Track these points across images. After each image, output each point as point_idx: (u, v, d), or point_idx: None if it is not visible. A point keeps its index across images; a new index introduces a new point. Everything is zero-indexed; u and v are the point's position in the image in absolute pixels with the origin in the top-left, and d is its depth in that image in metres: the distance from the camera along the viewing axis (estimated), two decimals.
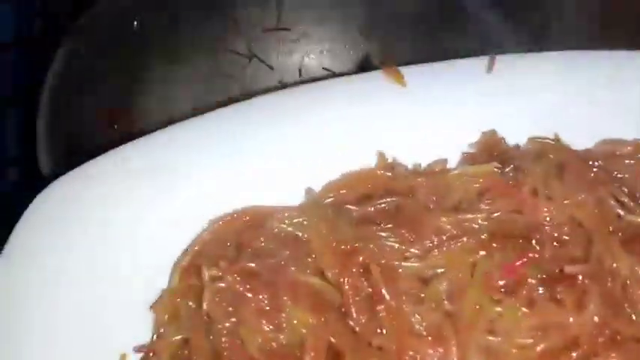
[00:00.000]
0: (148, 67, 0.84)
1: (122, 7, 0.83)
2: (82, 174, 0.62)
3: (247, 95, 0.68)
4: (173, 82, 0.86)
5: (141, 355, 0.57)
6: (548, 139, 0.61)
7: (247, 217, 0.60)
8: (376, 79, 0.66)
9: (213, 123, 0.65)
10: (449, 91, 0.65)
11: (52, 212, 0.60)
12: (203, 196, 0.62)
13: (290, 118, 0.65)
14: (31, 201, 0.61)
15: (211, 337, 0.55)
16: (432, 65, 0.67)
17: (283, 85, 0.73)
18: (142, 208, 0.62)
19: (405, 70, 0.66)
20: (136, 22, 0.82)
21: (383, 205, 0.59)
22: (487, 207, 0.57)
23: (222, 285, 0.56)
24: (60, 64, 0.81)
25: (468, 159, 0.62)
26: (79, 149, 0.78)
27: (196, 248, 0.59)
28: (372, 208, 0.59)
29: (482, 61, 0.66)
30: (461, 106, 0.65)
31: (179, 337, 0.56)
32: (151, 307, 0.59)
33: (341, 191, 0.61)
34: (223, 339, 0.55)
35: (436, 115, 0.65)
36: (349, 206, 0.60)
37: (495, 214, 0.56)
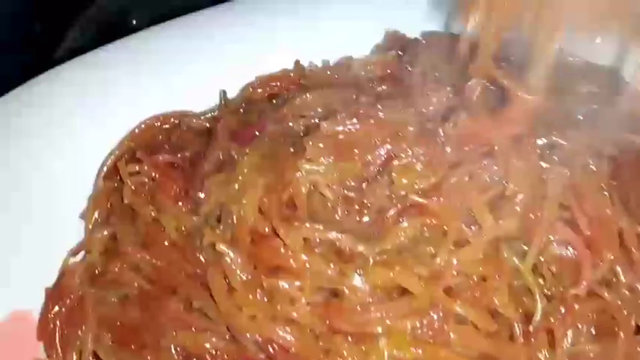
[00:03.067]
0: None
1: (119, 6, 0.87)
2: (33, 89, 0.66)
3: None
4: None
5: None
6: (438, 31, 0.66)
7: (165, 122, 0.65)
8: None
9: (143, 40, 0.70)
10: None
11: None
12: (129, 107, 0.66)
13: (209, 34, 0.69)
14: None
15: (136, 228, 0.59)
16: None
17: None
18: (73, 123, 0.65)
19: None
20: (134, 21, 0.86)
21: (290, 97, 0.62)
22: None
23: (142, 178, 0.60)
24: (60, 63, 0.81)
25: (375, 52, 0.67)
26: None
27: (117, 153, 0.63)
28: (281, 101, 0.63)
29: None
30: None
31: (105, 233, 0.59)
32: (80, 215, 0.62)
33: (256, 91, 0.66)
34: (147, 228, 0.58)
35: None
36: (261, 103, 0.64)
37: None
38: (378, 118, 0.55)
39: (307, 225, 0.50)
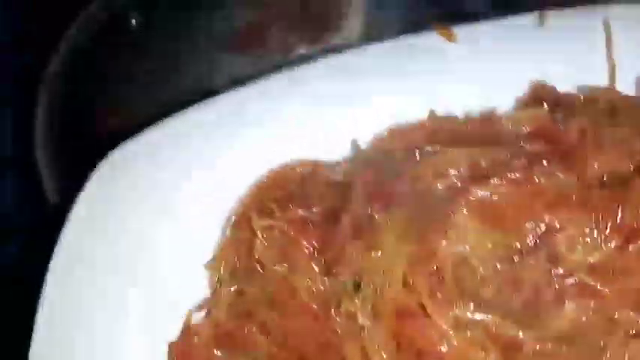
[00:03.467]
0: (147, 65, 0.84)
1: (120, 6, 0.84)
2: (135, 146, 0.64)
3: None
4: (173, 81, 0.86)
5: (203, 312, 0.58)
6: (598, 86, 0.60)
7: (297, 169, 0.62)
8: (430, 38, 0.67)
9: (257, 93, 0.66)
10: (497, 46, 0.65)
11: (110, 183, 0.62)
12: (256, 153, 0.63)
13: (341, 80, 0.66)
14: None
15: (264, 286, 0.56)
16: (483, 24, 0.67)
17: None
18: (197, 172, 0.63)
19: (457, 29, 0.67)
20: (134, 21, 0.84)
21: (429, 151, 0.58)
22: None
23: (273, 232, 0.57)
24: (59, 63, 0.82)
25: (520, 106, 0.62)
26: (77, 148, 0.78)
27: (245, 201, 0.61)
28: (419, 155, 0.59)
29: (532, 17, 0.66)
30: (511, 60, 0.65)
31: (233, 288, 0.57)
32: (205, 265, 0.60)
33: (390, 141, 0.62)
34: (276, 286, 0.56)
35: (485, 68, 0.65)
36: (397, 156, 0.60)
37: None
38: (535, 184, 0.50)
39: (461, 304, 0.46)
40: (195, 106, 0.66)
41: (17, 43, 0.86)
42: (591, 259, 0.48)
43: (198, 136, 0.64)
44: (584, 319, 0.46)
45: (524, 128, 0.58)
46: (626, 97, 0.59)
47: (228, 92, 0.68)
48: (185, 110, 0.66)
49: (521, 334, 0.45)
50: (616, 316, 0.46)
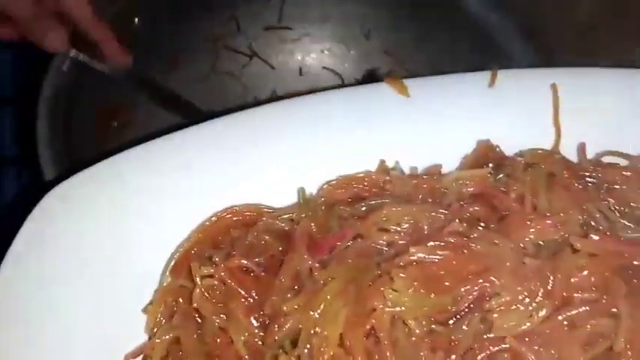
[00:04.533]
0: (148, 65, 0.87)
1: (121, 6, 0.86)
2: (79, 180, 0.63)
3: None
4: (173, 81, 0.89)
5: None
6: (541, 149, 0.62)
7: (239, 216, 0.62)
8: (380, 90, 0.69)
9: (214, 129, 0.67)
10: (448, 104, 0.67)
11: (54, 214, 0.61)
12: (196, 197, 0.63)
13: (292, 127, 0.67)
14: (31, 201, 0.62)
15: (202, 335, 0.56)
16: (435, 78, 0.69)
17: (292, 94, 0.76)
18: (136, 212, 0.63)
19: (408, 82, 0.68)
20: (136, 20, 0.86)
21: (374, 204, 0.60)
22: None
23: (213, 282, 0.57)
24: (59, 63, 0.82)
25: (465, 165, 0.64)
26: (79, 149, 0.80)
27: (186, 246, 0.61)
28: (364, 208, 0.60)
29: (484, 75, 0.68)
30: (460, 117, 0.67)
31: (169, 336, 0.57)
32: (143, 309, 0.59)
33: (336, 191, 0.63)
34: (213, 336, 0.56)
35: (435, 125, 0.66)
36: (342, 207, 0.61)
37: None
38: (471, 249, 0.52)
39: None
40: (136, 147, 0.66)
41: (17, 42, 0.86)
42: (522, 327, 0.50)
43: (142, 176, 0.64)
44: None
45: (466, 189, 0.60)
46: (567, 162, 0.61)
47: (180, 131, 0.68)
48: (130, 149, 0.66)
49: None
50: None
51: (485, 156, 0.63)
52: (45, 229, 0.61)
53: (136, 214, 0.63)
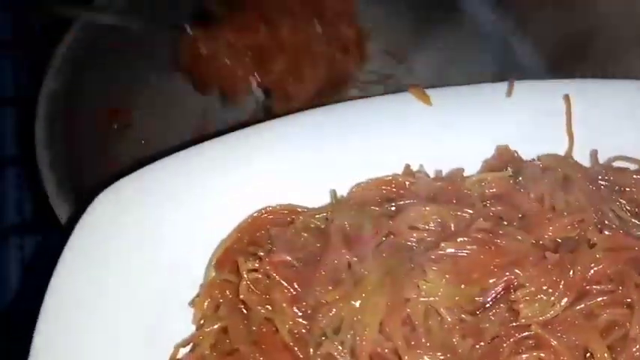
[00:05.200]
0: (147, 66, 0.89)
1: (120, 7, 0.87)
2: (123, 185, 0.68)
3: None
4: (173, 81, 0.91)
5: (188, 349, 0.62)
6: (556, 154, 0.67)
7: (275, 215, 0.67)
8: (404, 99, 0.74)
9: (251, 136, 0.72)
10: (469, 112, 0.72)
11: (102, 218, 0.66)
12: (237, 198, 0.68)
13: (328, 135, 0.72)
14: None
15: (248, 325, 0.61)
16: (455, 88, 0.75)
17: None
18: (181, 213, 0.67)
19: (430, 92, 0.74)
20: (134, 24, 0.85)
21: (402, 205, 0.65)
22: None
23: (257, 275, 0.62)
24: (59, 63, 0.84)
25: (486, 168, 0.69)
26: (78, 149, 0.82)
27: (227, 243, 0.66)
28: (393, 208, 0.65)
29: (502, 85, 0.73)
30: (479, 125, 0.72)
31: (217, 326, 0.61)
32: (189, 302, 0.64)
33: (365, 192, 0.68)
34: (259, 326, 0.60)
35: (456, 132, 0.72)
36: (372, 207, 0.66)
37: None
38: (497, 245, 0.57)
39: (430, 352, 0.52)
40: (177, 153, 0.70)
41: (18, 41, 0.89)
42: (545, 315, 0.55)
43: (181, 182, 0.68)
44: None
45: (488, 190, 0.65)
46: (581, 166, 0.67)
47: (215, 138, 0.73)
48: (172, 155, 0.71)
49: None
50: None
51: (505, 160, 0.68)
52: (96, 229, 0.66)
53: (175, 216, 0.67)
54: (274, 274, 0.60)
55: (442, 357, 0.53)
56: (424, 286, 0.56)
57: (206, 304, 0.63)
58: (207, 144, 0.71)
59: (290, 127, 0.73)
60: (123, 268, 0.64)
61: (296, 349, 0.57)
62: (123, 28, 0.86)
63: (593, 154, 0.69)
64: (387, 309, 0.55)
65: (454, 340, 0.54)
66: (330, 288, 0.58)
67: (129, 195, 0.68)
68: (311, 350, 0.56)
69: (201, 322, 0.63)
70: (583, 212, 0.60)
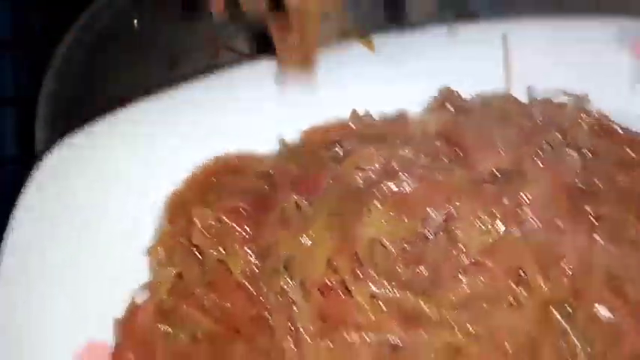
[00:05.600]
0: (149, 66, 0.87)
1: (122, 7, 0.87)
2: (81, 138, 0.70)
3: None
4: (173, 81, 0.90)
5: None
6: (494, 92, 0.71)
7: (228, 162, 0.69)
8: (349, 47, 0.76)
9: (197, 88, 0.74)
10: (412, 55, 0.74)
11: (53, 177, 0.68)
12: (187, 149, 0.70)
13: (274, 85, 0.74)
14: None
15: (202, 269, 0.63)
16: (398, 32, 0.76)
17: None
18: (135, 164, 0.70)
19: (375, 38, 0.75)
20: (135, 21, 0.86)
21: (349, 148, 0.67)
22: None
23: (210, 221, 0.64)
24: (59, 63, 0.83)
25: (428, 109, 0.72)
26: None
27: (179, 193, 0.68)
28: (340, 151, 0.68)
29: (444, 27, 0.75)
30: (423, 68, 0.74)
31: (172, 271, 0.64)
32: (144, 251, 0.66)
33: (313, 137, 0.70)
34: (213, 268, 0.62)
35: (400, 76, 0.74)
36: (320, 151, 0.69)
37: None
38: (437, 180, 0.60)
39: (376, 282, 0.56)
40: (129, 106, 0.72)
41: (18, 41, 0.88)
42: (483, 243, 0.58)
43: (133, 135, 0.71)
44: (476, 291, 0.57)
45: (430, 129, 0.68)
46: (518, 103, 0.70)
47: (166, 90, 0.75)
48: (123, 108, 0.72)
49: (424, 305, 0.55)
50: (502, 288, 0.56)
51: (446, 100, 0.71)
52: (48, 185, 0.68)
53: (129, 168, 0.70)
54: (225, 219, 0.63)
55: (387, 284, 0.56)
56: (369, 222, 0.59)
57: (161, 251, 0.66)
58: (158, 96, 0.73)
59: (235, 80, 0.74)
60: (79, 222, 0.67)
61: (249, 287, 0.60)
62: (123, 28, 0.86)
63: (529, 91, 0.72)
64: (335, 244, 0.58)
65: (398, 269, 0.58)
66: (280, 229, 0.60)
67: (81, 149, 0.70)
68: (263, 287, 0.59)
69: (157, 269, 0.65)
70: (519, 146, 0.63)
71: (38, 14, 0.90)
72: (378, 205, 0.59)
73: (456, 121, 0.68)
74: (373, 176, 0.64)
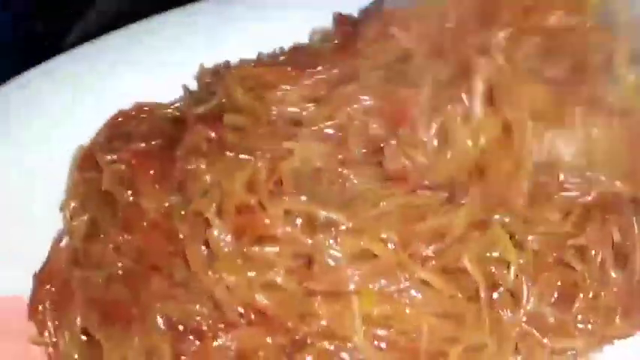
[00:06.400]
0: None
1: (119, 10, 0.90)
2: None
3: None
4: None
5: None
6: None
7: (135, 113, 0.70)
8: None
9: (107, 47, 0.76)
10: None
11: None
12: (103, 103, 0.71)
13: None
14: None
15: (116, 214, 0.63)
16: None
17: None
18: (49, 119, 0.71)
19: None
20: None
21: None
22: None
23: (119, 166, 0.64)
24: None
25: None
26: None
27: (86, 145, 0.68)
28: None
29: None
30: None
31: (85, 217, 0.64)
32: (59, 207, 0.66)
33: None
34: (126, 211, 0.62)
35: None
36: None
37: None
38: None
39: (287, 198, 0.57)
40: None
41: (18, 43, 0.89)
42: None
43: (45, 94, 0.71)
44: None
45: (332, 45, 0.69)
46: None
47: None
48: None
49: (336, 217, 0.56)
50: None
51: (343, 22, 0.71)
52: None
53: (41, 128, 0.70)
54: (133, 161, 0.63)
55: (304, 199, 0.57)
56: (297, 148, 0.60)
57: (73, 204, 0.66)
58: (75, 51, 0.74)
59: (143, 34, 0.76)
60: None
61: (163, 222, 0.60)
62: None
63: None
64: (255, 167, 0.58)
65: (316, 187, 0.58)
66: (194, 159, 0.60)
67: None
68: (177, 217, 0.59)
69: (71, 218, 0.65)
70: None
71: (38, 19, 0.92)
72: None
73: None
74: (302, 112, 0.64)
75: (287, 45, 0.72)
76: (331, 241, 0.55)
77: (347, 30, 0.69)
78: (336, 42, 0.69)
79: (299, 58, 0.69)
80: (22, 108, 0.71)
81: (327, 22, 0.73)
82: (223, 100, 0.66)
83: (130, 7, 0.88)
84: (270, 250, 0.55)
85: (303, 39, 0.74)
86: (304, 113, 0.63)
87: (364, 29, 0.66)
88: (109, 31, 0.83)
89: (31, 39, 0.91)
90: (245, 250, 0.55)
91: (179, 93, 0.72)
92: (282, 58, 0.70)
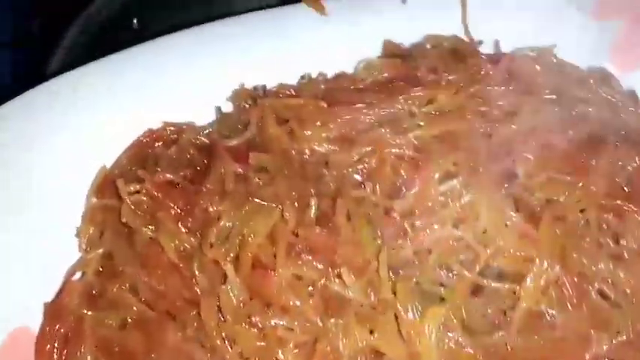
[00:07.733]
0: None
1: (120, 6, 0.87)
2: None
3: None
4: None
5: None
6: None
7: (163, 134, 0.66)
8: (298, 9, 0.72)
9: (128, 61, 0.69)
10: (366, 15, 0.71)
11: None
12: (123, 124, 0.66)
13: (202, 50, 0.70)
14: None
15: (133, 248, 0.60)
16: None
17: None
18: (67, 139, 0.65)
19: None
20: (135, 20, 0.86)
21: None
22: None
23: (140, 197, 0.61)
24: (59, 63, 0.83)
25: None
26: None
27: (108, 169, 0.64)
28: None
29: None
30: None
31: (100, 251, 0.61)
32: (76, 233, 0.63)
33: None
34: (144, 247, 0.59)
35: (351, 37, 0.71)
36: None
37: None
38: None
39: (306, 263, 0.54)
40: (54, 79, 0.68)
41: (18, 42, 0.89)
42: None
43: (63, 108, 0.66)
44: None
45: (380, 75, 0.65)
46: (465, 42, 0.68)
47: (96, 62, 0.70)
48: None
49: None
50: None
51: (392, 51, 0.68)
52: None
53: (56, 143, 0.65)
54: (157, 194, 0.60)
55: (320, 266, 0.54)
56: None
57: (91, 231, 0.62)
58: (92, 65, 0.69)
59: (168, 48, 0.70)
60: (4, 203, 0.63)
61: (182, 266, 0.57)
62: (122, 29, 0.86)
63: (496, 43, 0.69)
64: (279, 218, 0.55)
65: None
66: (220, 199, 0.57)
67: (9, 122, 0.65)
68: (195, 267, 0.56)
69: (88, 249, 0.61)
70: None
71: (37, 17, 0.90)
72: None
73: (408, 64, 0.65)
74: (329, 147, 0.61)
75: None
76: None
77: (398, 64, 0.65)
78: (385, 75, 0.65)
79: (339, 90, 0.65)
80: (32, 124, 0.65)
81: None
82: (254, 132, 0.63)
83: (131, 3, 0.86)
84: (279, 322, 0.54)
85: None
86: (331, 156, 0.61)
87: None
88: (108, 29, 0.82)
89: (29, 36, 0.89)
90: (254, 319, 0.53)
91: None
92: (322, 86, 0.66)
